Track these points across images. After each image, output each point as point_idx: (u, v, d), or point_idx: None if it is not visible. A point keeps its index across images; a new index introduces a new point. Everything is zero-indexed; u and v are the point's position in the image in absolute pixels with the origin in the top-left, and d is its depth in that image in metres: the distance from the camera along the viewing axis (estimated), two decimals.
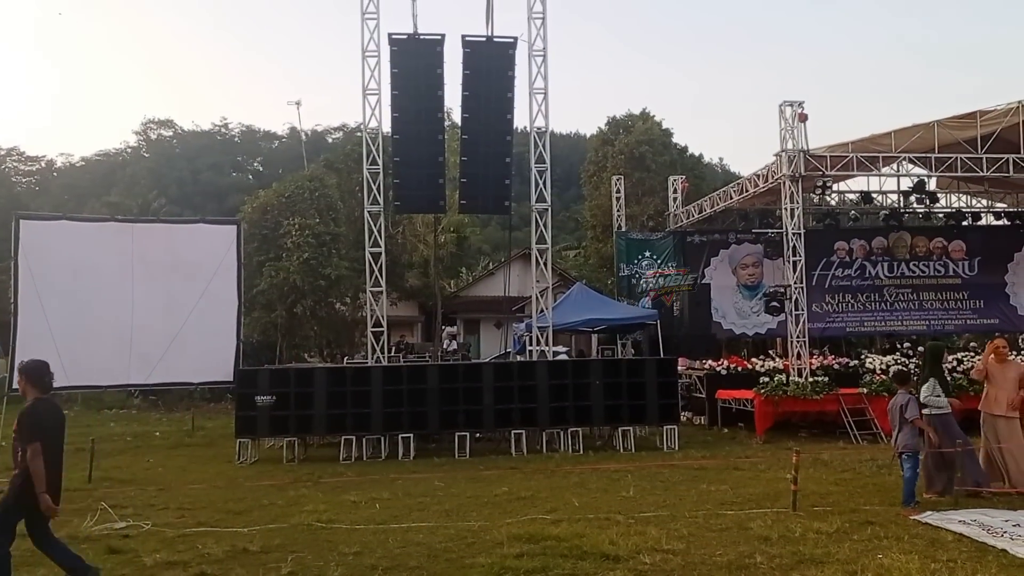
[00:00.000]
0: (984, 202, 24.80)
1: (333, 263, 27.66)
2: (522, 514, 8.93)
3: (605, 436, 15.76)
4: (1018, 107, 17.81)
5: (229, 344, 17.43)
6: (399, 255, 31.40)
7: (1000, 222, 25.01)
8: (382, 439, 14.64)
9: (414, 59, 16.21)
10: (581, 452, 14.44)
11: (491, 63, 16.33)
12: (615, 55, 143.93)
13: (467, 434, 14.54)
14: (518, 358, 19.64)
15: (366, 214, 16.56)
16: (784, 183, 17.59)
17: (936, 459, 9.60)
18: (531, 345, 16.84)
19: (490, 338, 38.67)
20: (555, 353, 18.58)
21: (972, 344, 24.94)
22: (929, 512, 8.61)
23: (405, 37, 16.29)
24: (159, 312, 17.12)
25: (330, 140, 67.73)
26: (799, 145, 17.51)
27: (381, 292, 16.38)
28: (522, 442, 14.56)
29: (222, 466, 13.87)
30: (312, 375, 14.99)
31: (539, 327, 16.54)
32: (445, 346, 31.10)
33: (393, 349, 20.89)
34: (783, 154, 17.60)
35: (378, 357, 16.29)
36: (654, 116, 43.90)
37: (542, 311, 16.64)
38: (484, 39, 16.49)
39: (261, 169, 71.91)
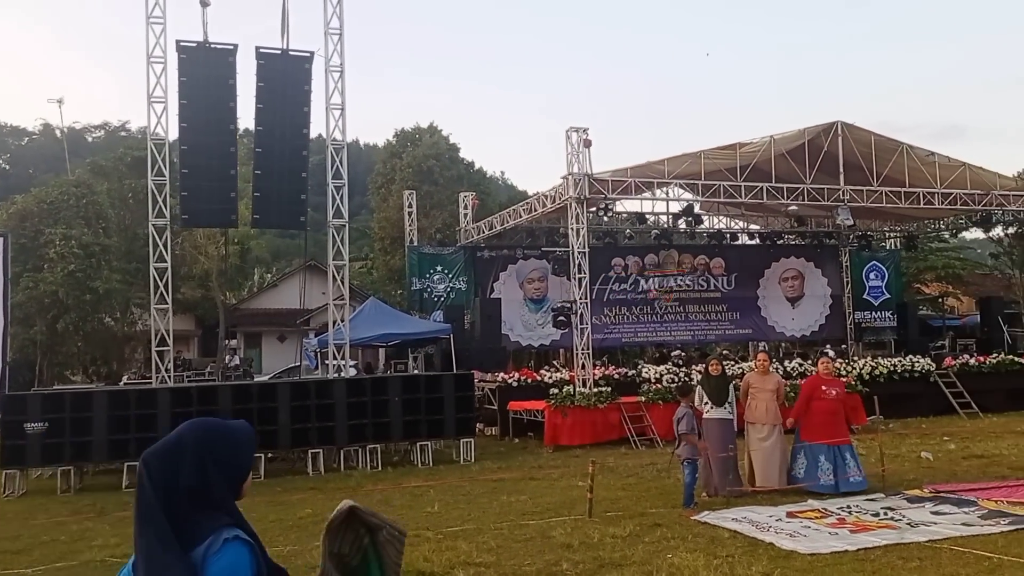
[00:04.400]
0: (741, 224, 27.40)
1: (103, 276, 25.86)
2: None
3: (402, 452, 15.95)
4: (770, 141, 19.95)
5: None
6: (178, 267, 29.86)
7: (754, 242, 27.68)
8: None
9: (204, 68, 15.69)
10: (380, 468, 14.52)
11: (287, 76, 16.13)
12: (399, 68, 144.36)
13: (261, 456, 14.19)
14: (316, 373, 19.38)
15: (151, 228, 15.76)
16: (570, 204, 18.60)
17: (708, 463, 10.60)
18: (328, 360, 16.70)
19: (273, 352, 37.59)
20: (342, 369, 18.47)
21: (724, 351, 27.46)
22: (706, 512, 9.51)
23: (195, 45, 15.73)
24: None
25: (90, 139, 63.05)
26: (584, 169, 18.60)
27: (167, 309, 15.64)
28: (319, 461, 14.43)
29: None
30: (91, 398, 14.04)
31: (336, 343, 16.44)
32: (227, 361, 29.97)
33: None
34: (569, 177, 18.62)
35: (163, 377, 15.53)
36: (441, 130, 44.75)
37: (339, 327, 16.55)
38: (279, 52, 16.25)
39: (8, 168, 65.33)
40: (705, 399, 10.61)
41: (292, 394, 14.54)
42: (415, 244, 26.16)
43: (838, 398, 10.74)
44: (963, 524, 8.47)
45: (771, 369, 12.02)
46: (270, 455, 14.50)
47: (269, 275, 45.44)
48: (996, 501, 9.48)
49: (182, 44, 15.64)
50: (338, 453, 14.72)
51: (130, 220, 29.53)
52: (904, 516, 8.97)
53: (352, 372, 16.25)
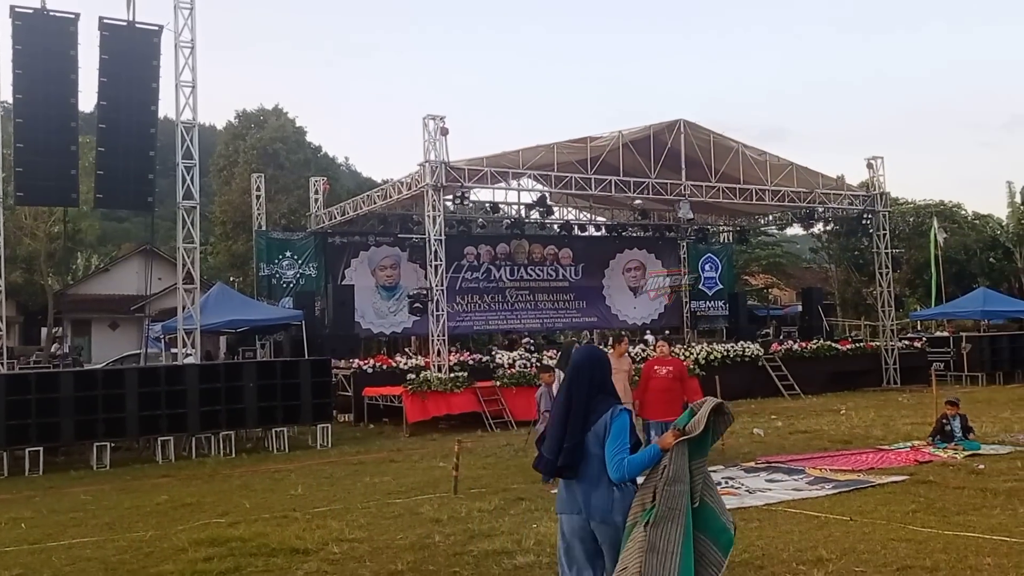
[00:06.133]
0: (588, 215, 28.39)
1: None
2: (194, 520, 8.79)
3: (255, 438, 15.69)
4: (618, 136, 20.84)
5: None
6: None
7: (600, 233, 28.75)
8: (3, 455, 13.15)
9: (42, 37, 14.79)
10: (234, 455, 14.25)
11: (133, 50, 15.42)
12: (242, 46, 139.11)
13: (107, 444, 13.60)
14: (162, 360, 18.65)
15: None
16: (427, 192, 18.77)
17: None
18: (177, 347, 16.15)
19: (105, 340, 35.64)
20: (185, 356, 17.90)
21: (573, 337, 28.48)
22: None
23: (31, 12, 14.79)
24: None
25: None
26: (440, 157, 18.81)
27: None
28: (169, 449, 13.99)
29: None
30: None
31: (185, 328, 15.93)
32: (54, 350, 28.25)
33: None
34: (426, 164, 18.78)
35: None
36: (287, 113, 43.68)
37: (188, 312, 16.04)
38: (125, 23, 15.50)
39: None
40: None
41: (140, 381, 14.01)
42: (263, 229, 25.54)
43: (669, 376, 11.34)
44: (794, 489, 9.33)
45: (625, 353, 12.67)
46: (114, 444, 13.90)
47: (96, 259, 42.89)
48: (821, 469, 10.46)
49: (17, 10, 14.64)
50: (189, 440, 14.32)
51: None
52: (743, 484, 9.76)
53: (191, 359, 15.73)
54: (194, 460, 13.88)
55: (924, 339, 27.65)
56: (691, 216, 22.81)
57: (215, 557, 7.09)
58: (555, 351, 20.50)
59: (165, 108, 16.56)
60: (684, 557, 3.81)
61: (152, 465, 13.52)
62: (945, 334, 28.87)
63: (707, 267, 30.53)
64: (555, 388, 11.05)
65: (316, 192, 25.74)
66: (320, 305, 23.98)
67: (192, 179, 16.06)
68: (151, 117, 15.77)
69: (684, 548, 3.81)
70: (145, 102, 15.59)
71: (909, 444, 12.21)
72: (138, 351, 24.82)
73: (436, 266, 18.70)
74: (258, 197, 25.58)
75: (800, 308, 31.32)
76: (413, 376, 17.37)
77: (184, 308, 16.01)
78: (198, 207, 16.18)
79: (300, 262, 25.09)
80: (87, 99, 15.95)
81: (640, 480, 3.99)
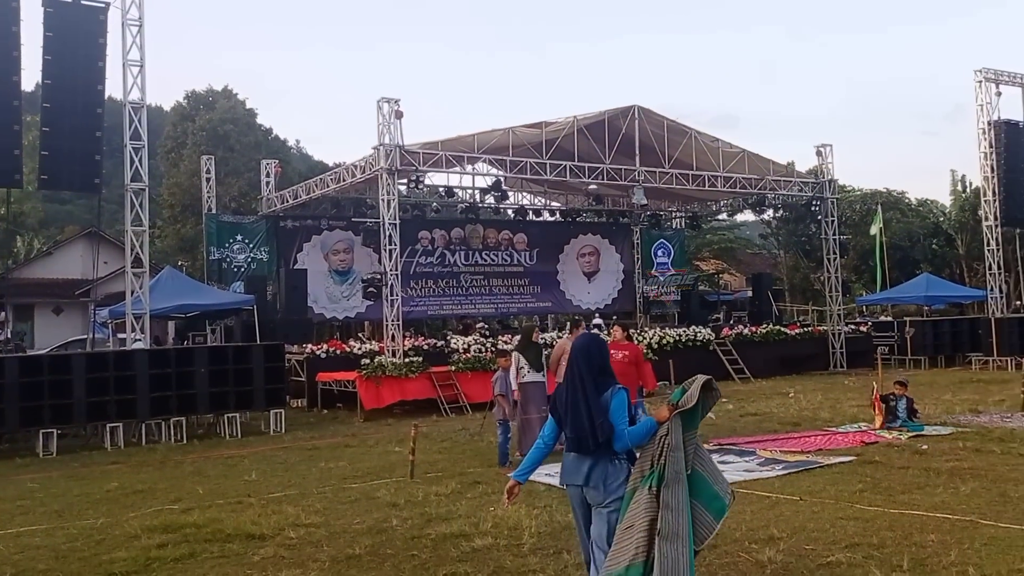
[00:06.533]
0: (543, 200, 28.44)
1: None
2: (146, 507, 8.67)
3: (207, 424, 15.51)
4: (573, 121, 20.89)
5: None
6: None
7: (554, 218, 28.83)
8: None
9: None
10: (185, 441, 14.07)
11: (79, 28, 15.00)
12: (191, 25, 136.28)
13: (53, 431, 13.32)
14: (109, 346, 18.28)
15: None
16: (382, 175, 18.63)
17: (523, 423, 11.19)
18: (127, 332, 15.84)
19: (48, 325, 34.76)
20: (134, 341, 17.61)
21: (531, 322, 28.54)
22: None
23: None
24: None
25: None
26: (395, 140, 18.67)
27: None
28: (118, 435, 13.76)
29: None
30: None
31: (134, 313, 15.63)
32: None
33: None
34: (381, 148, 18.63)
35: None
36: (237, 94, 42.97)
37: (137, 296, 15.74)
38: (70, 0, 15.09)
39: None
40: (522, 364, 11.17)
41: (88, 366, 13.74)
42: (213, 212, 25.14)
43: (625, 360, 11.44)
44: (745, 470, 9.51)
45: None
46: (60, 431, 13.62)
47: (39, 242, 41.79)
48: (771, 451, 10.68)
49: None
50: (139, 427, 14.10)
51: None
52: None
53: (139, 345, 15.45)
54: (144, 447, 13.68)
55: (869, 324, 28.31)
56: (645, 202, 22.97)
57: (169, 544, 7.02)
58: (510, 336, 20.57)
59: (112, 88, 16.22)
60: (688, 514, 4.31)
61: (101, 452, 13.29)
62: (889, 319, 29.60)
63: (660, 253, 30.82)
64: (512, 372, 11.12)
65: (268, 175, 25.40)
66: (272, 290, 23.74)
67: (140, 161, 15.73)
68: (98, 97, 15.36)
69: (687, 506, 4.32)
70: (91, 81, 15.20)
71: (856, 426, 12.52)
72: (84, 336, 24.32)
73: (390, 250, 18.60)
74: (208, 180, 25.16)
75: (750, 293, 31.80)
76: (367, 361, 17.28)
77: (132, 292, 15.71)
78: (147, 189, 15.86)
79: (251, 246, 24.77)
80: (30, 77, 15.52)
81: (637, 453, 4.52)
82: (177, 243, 39.77)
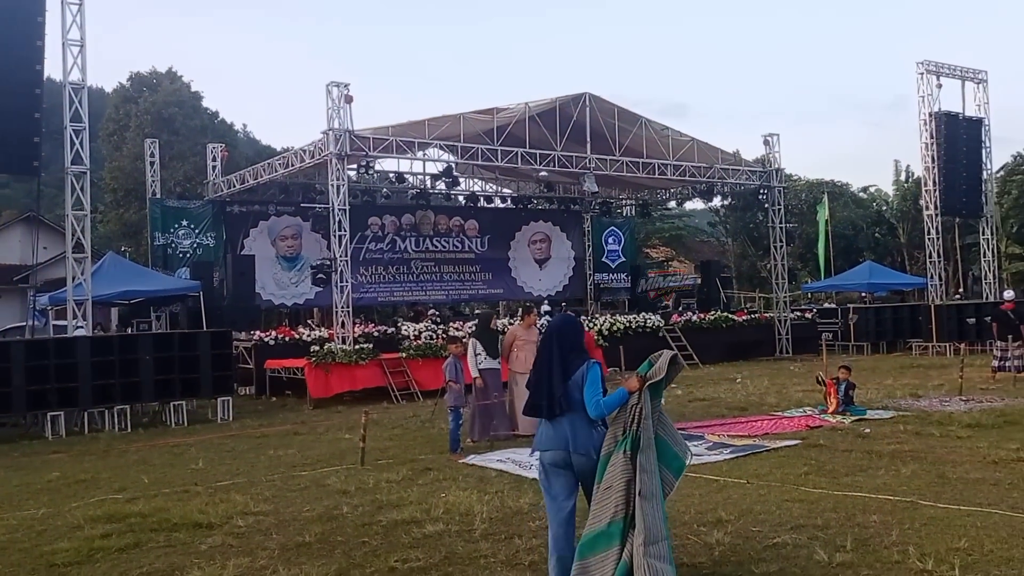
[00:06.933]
0: (494, 187, 28.39)
1: None
2: (89, 496, 8.48)
3: (151, 413, 15.23)
4: (525, 108, 20.86)
5: None
6: None
7: (505, 205, 28.80)
8: None
9: None
10: (129, 430, 13.80)
11: (16, 5, 14.55)
12: (133, 4, 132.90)
13: None
14: (49, 333, 17.82)
15: None
16: (331, 160, 18.42)
17: (475, 409, 11.19)
18: (68, 319, 15.45)
19: None
20: (76, 328, 17.23)
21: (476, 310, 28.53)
22: (472, 456, 10.06)
23: None
24: None
25: None
26: (345, 125, 18.46)
27: None
28: (59, 424, 13.44)
29: None
30: None
31: (76, 299, 15.25)
32: None
33: None
34: (330, 132, 18.41)
35: None
36: (182, 76, 42.03)
37: (79, 282, 15.36)
38: None
39: None
40: (479, 350, 11.14)
41: (27, 354, 13.37)
42: (158, 196, 24.61)
43: None
44: (694, 455, 9.62)
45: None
46: None
47: None
48: (719, 435, 10.83)
49: None
50: (81, 415, 13.79)
51: None
52: None
53: (81, 332, 15.10)
54: (87, 436, 13.39)
55: (814, 311, 28.86)
56: (595, 189, 23.08)
57: (113, 533, 6.88)
58: (461, 322, 20.54)
59: (51, 69, 15.76)
60: (659, 475, 4.82)
61: (42, 441, 12.98)
62: (833, 306, 30.20)
63: (610, 240, 30.99)
64: (471, 356, 11.13)
65: (214, 159, 24.91)
66: (219, 276, 23.35)
67: (81, 143, 15.33)
68: (36, 77, 14.89)
69: (658, 468, 4.81)
70: (29, 61, 14.74)
71: (802, 410, 12.75)
72: (22, 323, 23.69)
73: (340, 236, 18.41)
74: (152, 163, 24.61)
75: (699, 280, 32.19)
76: (317, 348, 17.11)
77: (74, 278, 15.32)
78: (88, 173, 15.47)
79: (197, 231, 24.31)
80: None
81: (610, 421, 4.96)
82: (120, 228, 38.84)
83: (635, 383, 4.84)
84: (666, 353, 4.97)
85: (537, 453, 5.12)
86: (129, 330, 21.73)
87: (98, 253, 24.16)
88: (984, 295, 26.50)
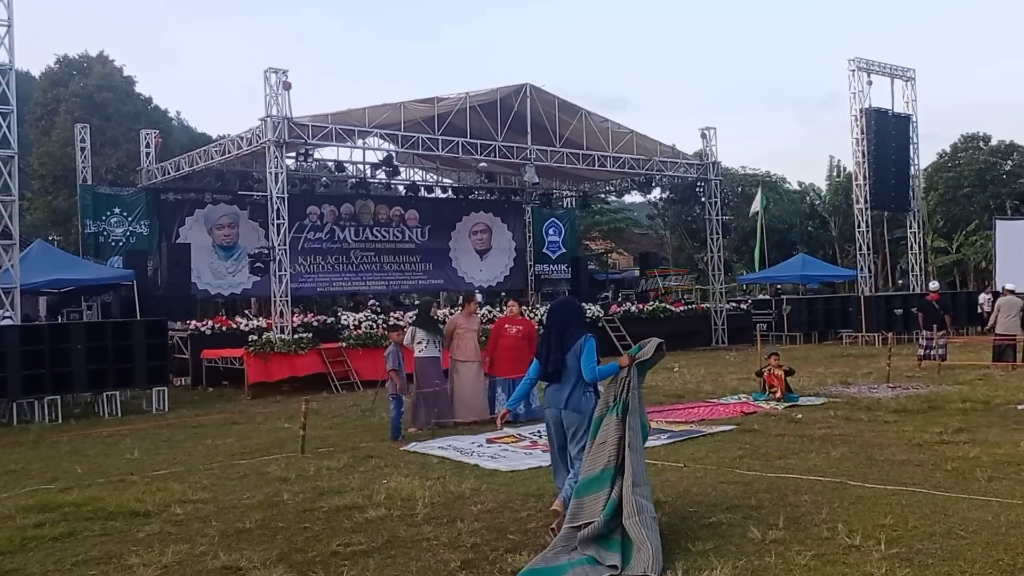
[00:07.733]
0: (435, 177, 28.32)
1: None
2: (19, 487, 8.27)
3: (83, 404, 14.87)
4: (466, 98, 20.85)
5: None
6: None
7: (446, 195, 28.78)
8: None
9: None
10: (60, 421, 13.45)
11: None
12: None
13: None
14: None
15: None
16: (269, 148, 18.17)
17: (416, 398, 11.21)
18: None
19: None
20: (2, 317, 16.73)
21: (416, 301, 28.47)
22: (413, 443, 10.07)
23: None
24: None
25: None
26: (283, 112, 18.23)
27: None
28: None
29: None
30: None
31: (3, 288, 14.80)
32: None
33: None
34: (268, 120, 18.16)
35: None
36: (113, 60, 40.94)
37: (6, 270, 14.91)
38: None
39: None
40: (420, 338, 11.15)
41: None
42: (88, 183, 23.97)
43: (519, 335, 11.60)
44: None
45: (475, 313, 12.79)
46: None
47: None
48: (656, 421, 11.00)
49: None
50: (9, 406, 13.40)
51: None
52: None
53: (8, 321, 14.67)
54: (16, 427, 13.01)
55: (749, 301, 29.50)
56: (536, 180, 23.19)
57: (47, 523, 6.72)
58: (402, 312, 20.49)
59: None
60: (641, 436, 5.71)
61: None
62: (768, 297, 30.89)
63: (551, 231, 31.20)
64: (423, 346, 11.15)
65: (148, 146, 24.36)
66: (153, 265, 22.90)
67: (8, 127, 14.88)
68: None
69: (640, 430, 5.68)
70: None
71: (736, 397, 13.06)
72: None
73: (278, 225, 18.20)
74: (83, 149, 23.99)
75: (637, 272, 32.61)
76: (255, 338, 16.90)
77: (1, 266, 14.87)
78: (16, 157, 15.01)
79: (130, 219, 23.78)
80: None
81: (602, 389, 5.89)
82: (48, 216, 37.72)
83: (626, 360, 5.74)
84: (653, 340, 5.89)
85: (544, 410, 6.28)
86: (59, 319, 21.18)
87: (26, 242, 23.44)
88: (911, 287, 27.39)
